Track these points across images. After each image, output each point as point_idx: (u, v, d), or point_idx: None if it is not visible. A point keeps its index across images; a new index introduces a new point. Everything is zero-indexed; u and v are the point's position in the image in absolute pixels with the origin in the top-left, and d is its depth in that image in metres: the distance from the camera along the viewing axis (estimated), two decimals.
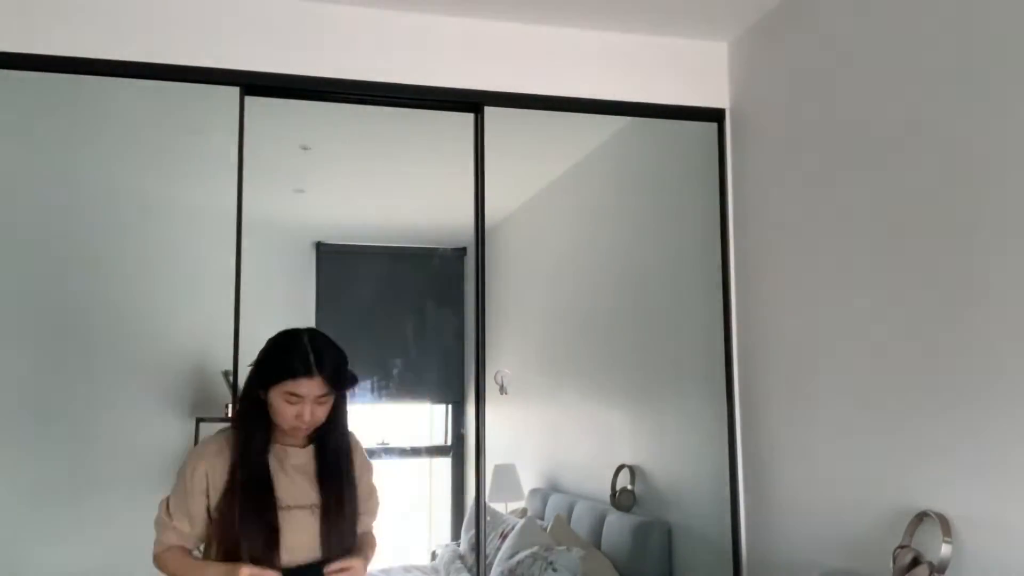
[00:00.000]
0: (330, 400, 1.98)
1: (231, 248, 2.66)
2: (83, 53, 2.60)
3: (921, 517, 2.09)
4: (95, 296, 2.57)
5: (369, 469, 2.19)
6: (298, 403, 1.92)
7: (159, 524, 1.99)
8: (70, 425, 2.50)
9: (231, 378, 2.62)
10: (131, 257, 2.62)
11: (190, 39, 2.68)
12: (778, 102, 2.84)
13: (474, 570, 2.81)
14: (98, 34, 2.62)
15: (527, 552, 2.87)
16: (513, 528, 2.97)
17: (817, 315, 2.58)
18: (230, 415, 2.61)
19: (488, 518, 2.86)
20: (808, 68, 2.68)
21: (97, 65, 2.61)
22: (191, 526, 1.97)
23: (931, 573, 1.99)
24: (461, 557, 2.93)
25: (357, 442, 2.17)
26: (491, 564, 2.85)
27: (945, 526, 2.01)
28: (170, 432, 2.59)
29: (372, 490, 2.20)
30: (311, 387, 1.92)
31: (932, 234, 2.14)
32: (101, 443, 2.52)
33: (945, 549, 1.99)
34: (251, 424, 1.98)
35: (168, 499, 2.00)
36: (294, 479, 2.01)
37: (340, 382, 1.99)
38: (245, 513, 1.93)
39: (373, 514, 2.22)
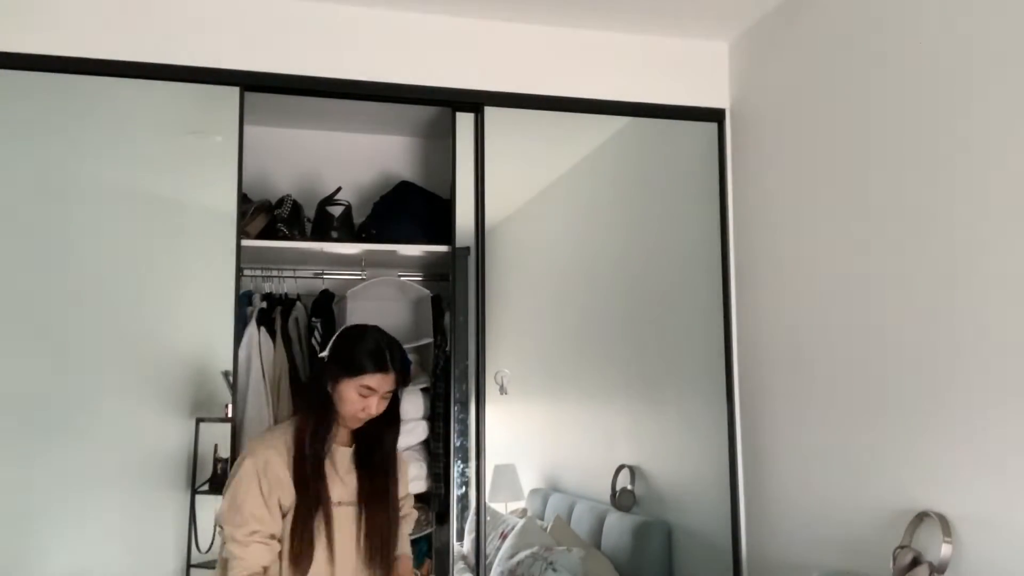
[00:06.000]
0: (390, 396, 2.11)
1: (231, 247, 2.66)
2: (83, 53, 2.60)
3: (921, 517, 2.09)
4: (94, 296, 2.57)
5: (406, 475, 2.30)
6: (369, 396, 2.04)
7: (235, 557, 1.93)
8: (69, 425, 2.50)
9: (231, 378, 2.63)
10: (131, 256, 2.61)
11: (190, 39, 2.68)
12: (778, 102, 2.84)
13: (475, 570, 2.81)
14: (97, 34, 2.62)
15: (527, 552, 2.87)
16: (513, 528, 2.97)
17: (817, 315, 2.58)
18: (230, 415, 2.61)
19: (488, 518, 2.86)
20: (808, 68, 2.68)
21: (97, 65, 2.61)
22: (272, 518, 1.98)
23: (931, 573, 1.99)
24: (464, 558, 2.93)
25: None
26: (491, 564, 2.85)
27: (945, 526, 2.01)
28: (170, 432, 2.58)
29: (407, 496, 2.31)
30: (385, 382, 2.05)
31: (933, 234, 2.14)
32: (100, 443, 2.52)
33: (945, 549, 1.99)
34: (323, 415, 2.06)
35: (229, 522, 1.95)
36: (343, 477, 2.10)
37: (405, 380, 2.15)
38: (302, 506, 2.00)
39: (408, 522, 2.31)
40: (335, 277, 3.47)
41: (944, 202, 2.11)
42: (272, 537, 1.98)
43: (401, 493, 2.25)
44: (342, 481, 2.10)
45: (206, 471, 2.60)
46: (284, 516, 2.02)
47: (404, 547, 2.26)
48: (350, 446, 2.14)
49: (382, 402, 2.08)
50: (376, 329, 2.17)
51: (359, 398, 2.04)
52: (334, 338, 2.13)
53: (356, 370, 2.03)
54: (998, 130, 1.96)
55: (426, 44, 2.89)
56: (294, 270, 3.45)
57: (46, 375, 2.51)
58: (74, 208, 2.59)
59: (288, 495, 2.00)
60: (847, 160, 2.47)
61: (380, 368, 2.04)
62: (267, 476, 1.98)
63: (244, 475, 1.97)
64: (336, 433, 2.11)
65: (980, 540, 1.95)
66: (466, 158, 2.93)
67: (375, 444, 2.15)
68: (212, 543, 2.52)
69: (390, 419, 2.16)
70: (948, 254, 2.09)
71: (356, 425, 2.10)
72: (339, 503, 2.06)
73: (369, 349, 2.06)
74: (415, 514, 2.37)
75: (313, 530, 2.00)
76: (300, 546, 1.98)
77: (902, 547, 2.09)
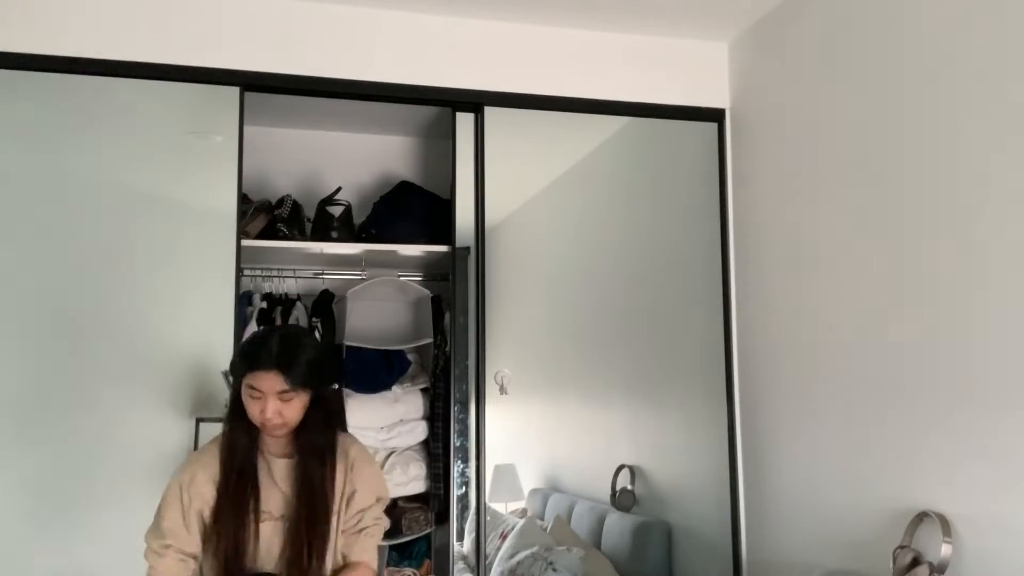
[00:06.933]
0: (298, 399, 1.89)
1: (231, 247, 2.66)
2: (83, 53, 2.60)
3: (921, 517, 2.09)
4: (95, 296, 2.57)
5: (372, 484, 2.04)
6: (261, 398, 1.86)
7: (150, 567, 1.92)
8: (69, 425, 2.50)
9: (231, 378, 2.62)
10: (131, 257, 2.61)
11: (190, 39, 2.68)
12: (778, 102, 2.84)
13: (475, 570, 2.81)
14: (98, 34, 2.62)
15: (527, 552, 2.87)
16: (513, 528, 2.97)
17: (817, 315, 2.58)
18: None
19: (488, 518, 2.86)
20: (808, 68, 2.68)
21: (97, 65, 2.61)
22: (188, 535, 1.93)
23: (931, 573, 1.99)
24: (464, 558, 2.93)
25: (361, 452, 2.06)
26: (491, 564, 2.85)
27: (945, 526, 2.01)
28: (170, 432, 2.58)
29: (369, 508, 2.03)
30: (267, 380, 1.85)
31: (932, 233, 2.14)
32: (100, 444, 2.52)
33: (945, 549, 1.99)
34: (236, 421, 1.96)
35: (149, 534, 1.96)
36: (272, 490, 1.96)
37: (301, 379, 1.87)
38: (221, 515, 1.92)
39: (369, 536, 2.01)
40: (335, 277, 3.47)
41: (945, 201, 2.11)
42: (188, 555, 1.92)
43: (367, 503, 2.02)
44: (280, 492, 1.96)
45: None
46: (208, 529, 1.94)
47: (363, 555, 2.00)
48: (291, 458, 1.98)
49: (283, 405, 1.88)
50: (285, 328, 2.14)
51: (252, 401, 1.88)
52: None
53: (237, 370, 1.92)
54: (1000, 128, 1.96)
55: (426, 44, 2.89)
56: (294, 270, 3.45)
57: (46, 375, 2.51)
58: (74, 208, 2.59)
59: (210, 509, 1.93)
60: (847, 160, 2.47)
61: (254, 365, 1.85)
62: (190, 491, 1.93)
63: (169, 492, 1.97)
64: (268, 443, 1.98)
65: (980, 540, 1.95)
66: (466, 158, 2.94)
67: (310, 455, 1.96)
68: None
69: (325, 427, 1.98)
70: (948, 254, 2.09)
71: (274, 434, 1.93)
72: (267, 516, 1.94)
73: (246, 346, 1.94)
74: (385, 522, 2.07)
75: (240, 543, 1.90)
76: (217, 560, 1.91)
77: (902, 547, 2.09)
